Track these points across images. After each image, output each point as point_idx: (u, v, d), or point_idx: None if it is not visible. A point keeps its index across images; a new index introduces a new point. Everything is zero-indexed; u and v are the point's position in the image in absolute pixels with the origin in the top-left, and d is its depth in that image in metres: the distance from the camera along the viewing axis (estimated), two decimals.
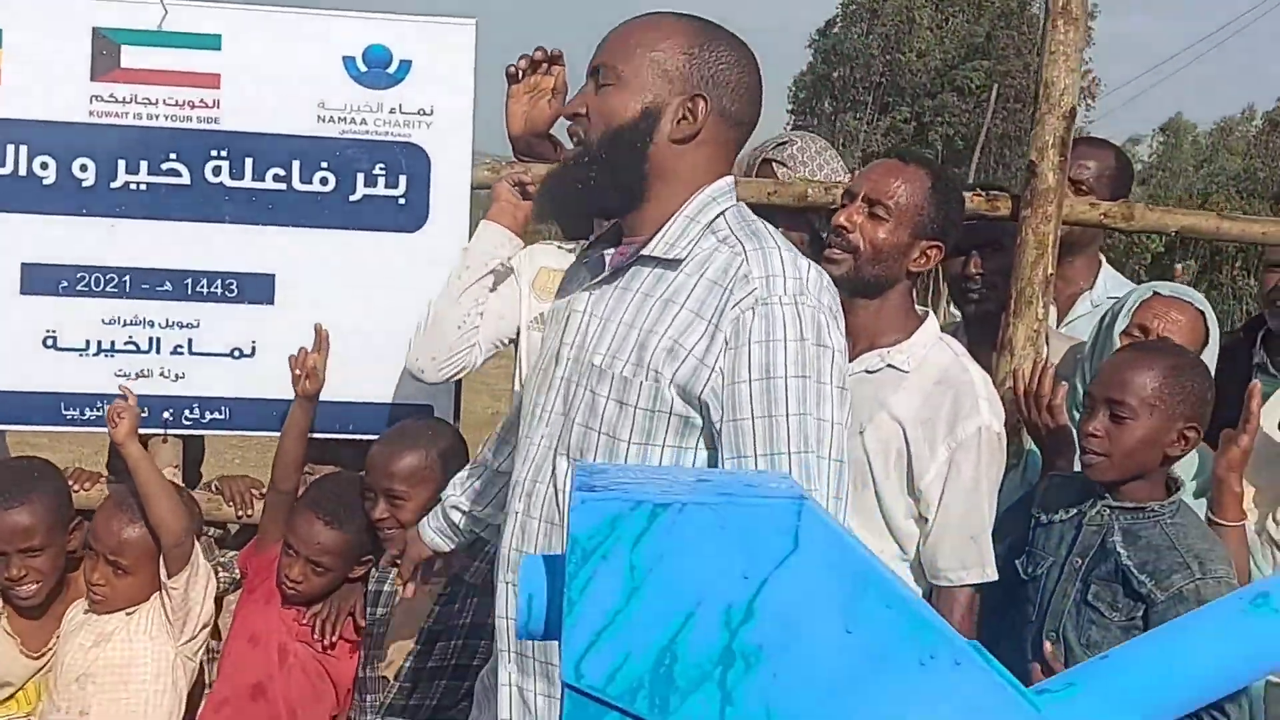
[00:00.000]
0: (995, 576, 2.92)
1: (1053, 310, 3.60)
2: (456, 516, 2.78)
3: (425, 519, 2.86)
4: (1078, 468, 3.06)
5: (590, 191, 2.28)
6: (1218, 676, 1.29)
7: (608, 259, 2.34)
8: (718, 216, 2.26)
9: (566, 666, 1.12)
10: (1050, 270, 3.30)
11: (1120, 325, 3.21)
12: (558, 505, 2.20)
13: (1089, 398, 2.94)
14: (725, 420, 2.14)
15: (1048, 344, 3.51)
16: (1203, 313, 3.19)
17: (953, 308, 4.11)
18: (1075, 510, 2.95)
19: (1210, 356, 3.18)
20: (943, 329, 3.72)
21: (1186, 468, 3.10)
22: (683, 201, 2.26)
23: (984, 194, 3.43)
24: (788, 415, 2.13)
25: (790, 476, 2.07)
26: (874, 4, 40.83)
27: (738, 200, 2.34)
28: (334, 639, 3.24)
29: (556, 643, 1.90)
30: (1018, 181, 3.44)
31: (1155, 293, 3.21)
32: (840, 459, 2.18)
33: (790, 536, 1.12)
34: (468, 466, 2.84)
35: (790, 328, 2.13)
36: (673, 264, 2.23)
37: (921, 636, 1.15)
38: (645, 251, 2.25)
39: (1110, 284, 3.77)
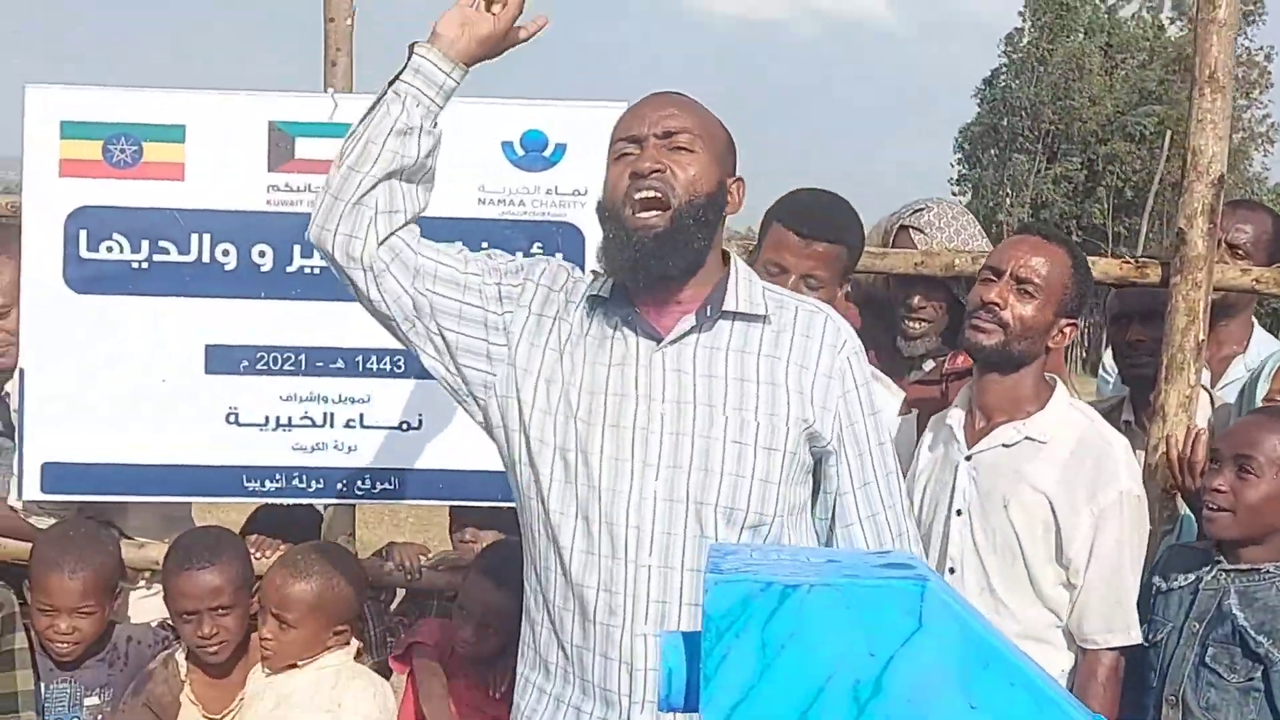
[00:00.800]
0: (1140, 639, 2.92)
1: (1206, 374, 3.57)
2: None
3: None
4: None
5: (681, 249, 2.35)
6: None
7: (648, 319, 2.40)
8: (754, 279, 2.49)
9: None
10: (1201, 336, 3.27)
11: (1261, 390, 3.20)
12: (697, 585, 2.28)
13: (1216, 454, 2.96)
14: (850, 455, 2.44)
15: (1211, 407, 3.48)
16: None
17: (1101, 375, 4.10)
18: (1193, 576, 2.97)
19: None
20: (1105, 401, 3.72)
21: None
22: (727, 265, 2.46)
23: (1133, 261, 3.42)
24: (887, 442, 2.51)
25: (911, 553, 2.42)
26: (1042, 52, 39.92)
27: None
28: (504, 691, 3.29)
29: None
30: None
31: None
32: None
33: (915, 616, 1.17)
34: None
35: (867, 370, 2.51)
36: (757, 319, 2.40)
37: (1044, 712, 1.18)
38: (727, 308, 2.39)
39: (1263, 347, 3.71)
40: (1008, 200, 38.86)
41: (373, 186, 2.46)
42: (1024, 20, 41.99)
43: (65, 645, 3.30)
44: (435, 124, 2.53)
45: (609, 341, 2.43)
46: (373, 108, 2.47)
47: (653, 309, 2.42)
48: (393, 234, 2.49)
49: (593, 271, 2.62)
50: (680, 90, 2.51)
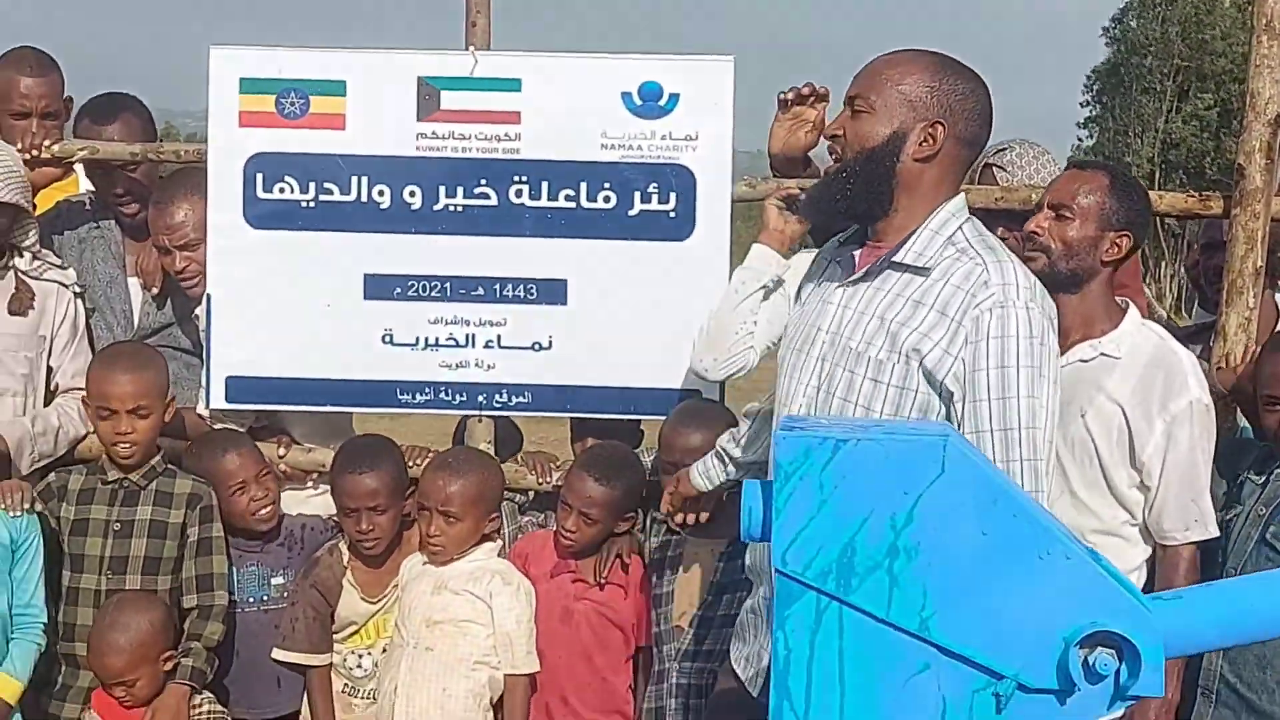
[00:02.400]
0: (1217, 533, 3.09)
1: None
2: (722, 460, 3.21)
3: (695, 463, 3.28)
4: None
5: (847, 200, 2.63)
6: None
7: (856, 258, 2.67)
8: (956, 230, 2.58)
9: (775, 558, 1.48)
10: (1259, 263, 3.44)
11: None
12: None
13: (1271, 399, 3.13)
14: (966, 401, 2.48)
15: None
16: None
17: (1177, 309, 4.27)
18: (1265, 472, 3.16)
19: None
20: (1186, 328, 3.89)
21: None
22: (925, 214, 2.59)
23: (1197, 195, 3.60)
24: (1019, 397, 2.46)
25: (949, 425, 2.49)
26: None
27: (971, 215, 2.68)
28: (605, 578, 3.58)
29: None
30: None
31: None
32: (1051, 440, 2.51)
33: (939, 464, 1.46)
34: (743, 417, 3.22)
35: (1022, 327, 2.47)
36: (921, 271, 2.55)
37: (1039, 538, 1.47)
38: (896, 259, 2.58)
39: None
40: (1136, 141, 36.82)
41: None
42: None
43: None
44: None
45: (828, 276, 2.76)
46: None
47: (865, 249, 2.67)
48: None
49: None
50: (903, 48, 2.71)
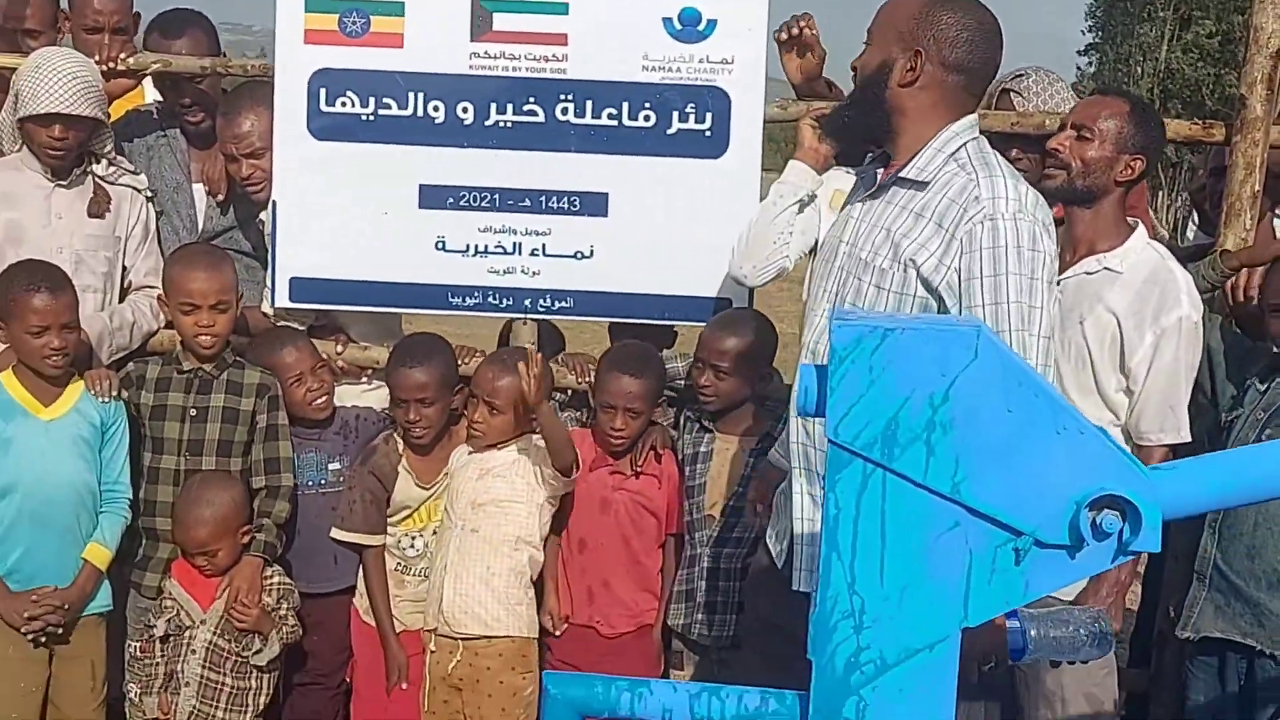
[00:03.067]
0: (1188, 439, 3.31)
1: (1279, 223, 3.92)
2: None
3: (773, 450, 3.36)
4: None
5: (854, 124, 2.91)
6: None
7: (878, 176, 2.88)
8: (960, 148, 2.76)
9: (830, 429, 1.68)
10: (1257, 188, 3.62)
11: None
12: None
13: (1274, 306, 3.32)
14: (961, 307, 2.67)
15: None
16: None
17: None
18: (1266, 381, 3.36)
19: None
20: (1186, 248, 4.08)
21: None
22: (931, 134, 2.77)
23: (1200, 123, 3.78)
24: (1009, 302, 2.64)
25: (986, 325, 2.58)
26: None
27: (979, 134, 2.85)
28: (640, 468, 3.78)
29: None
30: None
31: None
32: (1048, 336, 2.69)
33: (972, 350, 1.65)
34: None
35: (1011, 236, 2.65)
36: (922, 185, 2.74)
37: (1056, 416, 1.67)
38: (902, 174, 2.78)
39: None
40: (1137, 69, 35.92)
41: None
42: None
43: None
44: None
45: (854, 197, 2.98)
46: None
47: (883, 172, 2.88)
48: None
49: None
50: None
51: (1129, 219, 3.37)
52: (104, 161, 4.00)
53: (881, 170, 2.90)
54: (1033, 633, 2.02)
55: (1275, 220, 3.87)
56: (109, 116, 4.04)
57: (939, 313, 2.70)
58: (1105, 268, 3.32)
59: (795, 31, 3.84)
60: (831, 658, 1.70)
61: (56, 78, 3.76)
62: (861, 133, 2.94)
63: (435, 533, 3.89)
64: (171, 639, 3.64)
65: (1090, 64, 39.24)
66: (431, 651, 3.77)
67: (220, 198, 4.27)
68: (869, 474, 1.67)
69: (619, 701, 1.87)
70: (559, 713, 1.86)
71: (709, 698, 1.85)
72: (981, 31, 2.78)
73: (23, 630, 3.51)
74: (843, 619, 1.69)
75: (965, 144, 2.78)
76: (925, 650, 1.69)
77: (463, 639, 3.70)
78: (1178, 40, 35.72)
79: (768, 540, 3.16)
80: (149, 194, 4.12)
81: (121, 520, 3.64)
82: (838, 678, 1.70)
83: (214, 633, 3.62)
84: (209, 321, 3.71)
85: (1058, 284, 3.29)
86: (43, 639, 3.55)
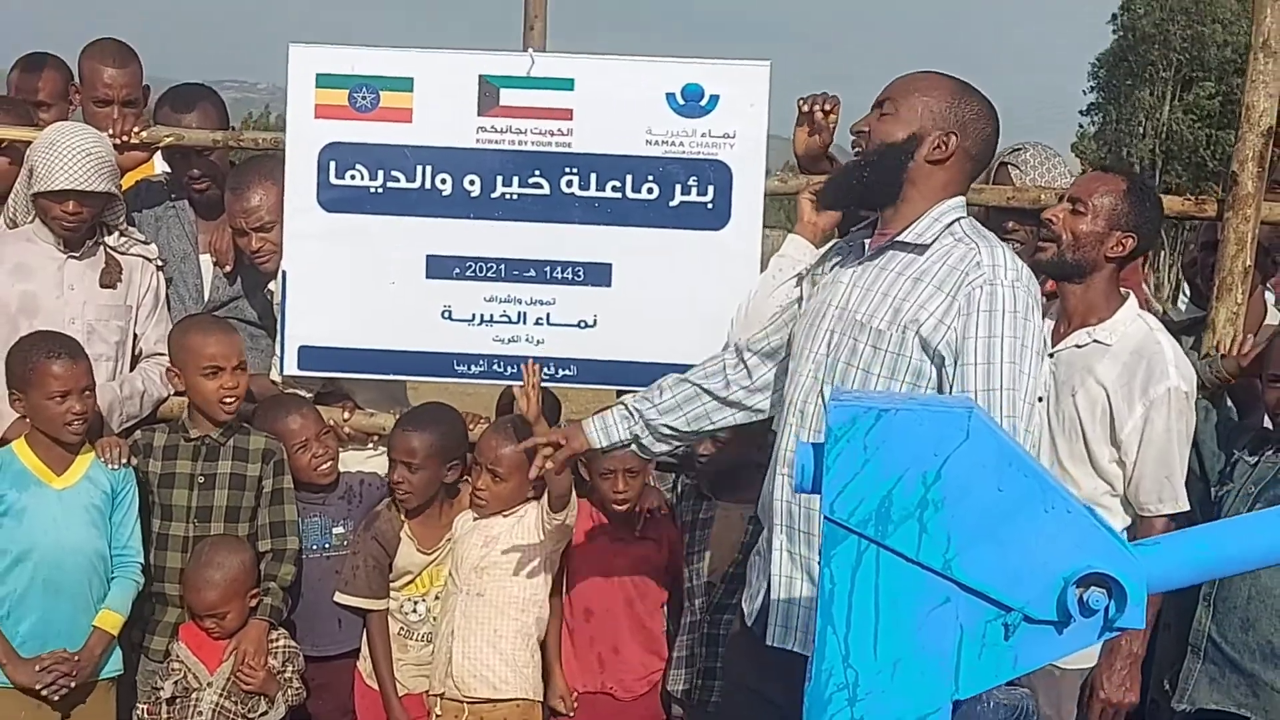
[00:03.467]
0: (1187, 507, 3.34)
1: (1270, 295, 3.97)
2: (630, 418, 3.36)
3: (592, 418, 3.40)
4: (1265, 423, 3.50)
5: (862, 186, 2.94)
6: (1259, 555, 1.82)
7: (867, 245, 2.95)
8: (954, 222, 2.86)
9: (825, 506, 1.73)
10: (1248, 263, 3.67)
11: None
12: (825, 417, 2.82)
13: (1273, 378, 3.36)
14: (956, 365, 2.75)
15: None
16: None
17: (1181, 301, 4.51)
18: (1258, 454, 3.40)
19: None
20: (1180, 321, 4.14)
21: None
22: (928, 207, 2.86)
23: (1193, 199, 3.84)
24: (1002, 363, 2.72)
25: (972, 399, 2.62)
26: None
27: (969, 214, 2.94)
28: (639, 532, 3.82)
29: (811, 515, 2.57)
30: None
31: None
32: (1034, 401, 2.76)
33: (964, 431, 1.70)
34: (664, 383, 3.38)
35: (1008, 302, 2.73)
36: (920, 250, 2.83)
37: (1045, 495, 1.71)
38: (900, 238, 2.86)
39: None
40: (1140, 129, 35.69)
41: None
42: None
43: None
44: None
45: (842, 261, 3.02)
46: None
47: (874, 237, 2.95)
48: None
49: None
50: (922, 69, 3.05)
51: (1120, 290, 3.43)
52: (116, 232, 4.07)
53: (869, 239, 2.97)
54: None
55: (1267, 294, 3.93)
56: (121, 189, 4.11)
57: (933, 374, 2.80)
58: (1095, 340, 3.38)
59: (818, 111, 3.88)
60: None
61: (71, 154, 3.83)
62: (865, 197, 2.98)
63: (437, 598, 3.93)
64: (178, 701, 3.67)
65: (1093, 123, 39.04)
66: (437, 715, 3.80)
67: (228, 269, 4.34)
68: (863, 550, 1.71)
69: None
70: None
71: None
72: (996, 127, 2.92)
73: (38, 689, 3.54)
74: (837, 691, 1.73)
75: (959, 219, 2.88)
76: None
77: (469, 702, 3.74)
78: (1179, 101, 35.34)
79: (742, 603, 3.18)
80: (159, 263, 4.19)
81: (133, 586, 3.68)
82: None
83: (221, 694, 3.65)
84: (233, 383, 3.79)
85: (1051, 356, 3.37)
86: (55, 699, 3.57)
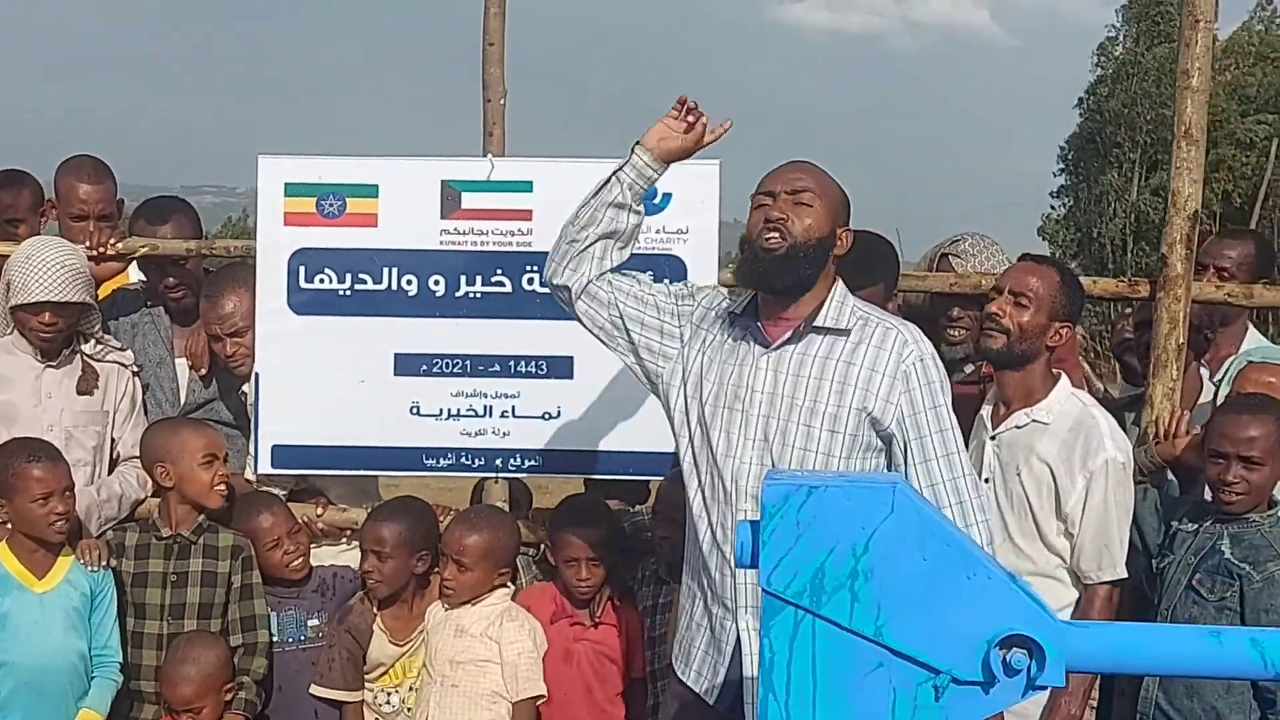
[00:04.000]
0: (1125, 575, 3.46)
1: (1205, 371, 4.11)
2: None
3: None
4: (1207, 494, 3.62)
5: (796, 276, 3.02)
6: (1176, 666, 1.93)
7: (763, 329, 3.06)
8: (850, 303, 3.06)
9: (763, 579, 1.83)
10: (1181, 340, 3.81)
11: (1224, 391, 3.76)
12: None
13: (1220, 454, 3.46)
14: (911, 439, 2.96)
15: (1213, 396, 4.01)
16: None
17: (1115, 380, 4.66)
18: (1196, 524, 3.52)
19: None
20: (1120, 399, 4.27)
21: None
22: (827, 293, 3.05)
23: (1126, 281, 4.00)
24: (951, 429, 2.98)
25: (970, 517, 2.96)
26: (1137, 58, 35.98)
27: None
28: (599, 619, 3.88)
29: None
30: None
31: (1249, 361, 3.75)
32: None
33: (889, 506, 1.81)
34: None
35: (936, 373, 3.00)
36: (842, 334, 2.99)
37: (966, 563, 1.82)
38: (817, 324, 3.01)
39: (1254, 349, 4.20)
40: (1109, 209, 35.82)
41: (593, 241, 3.19)
42: (1117, 29, 38.02)
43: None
44: (640, 203, 3.23)
45: (736, 345, 3.10)
46: (601, 185, 3.17)
47: (768, 322, 3.07)
48: (601, 275, 3.21)
49: (731, 290, 3.29)
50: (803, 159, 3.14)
51: (1053, 371, 3.57)
52: (92, 340, 4.17)
53: (761, 323, 3.07)
54: None
55: (1202, 370, 4.07)
56: (96, 298, 4.22)
57: (886, 447, 3.00)
58: (1033, 420, 3.52)
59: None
60: None
61: (45, 268, 3.94)
62: (796, 285, 3.04)
63: (411, 689, 3.97)
64: None
65: (1064, 205, 39.14)
66: None
67: (203, 371, 4.43)
68: (799, 620, 1.82)
69: None
70: None
71: None
72: None
73: None
74: None
75: (850, 301, 3.09)
76: None
77: None
78: (1145, 183, 35.41)
79: (680, 674, 3.26)
80: (135, 369, 4.28)
81: (112, 685, 3.74)
82: None
83: None
84: (225, 472, 3.94)
85: (993, 439, 3.52)
86: None
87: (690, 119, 3.18)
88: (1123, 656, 1.88)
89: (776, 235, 3.01)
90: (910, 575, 1.81)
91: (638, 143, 3.19)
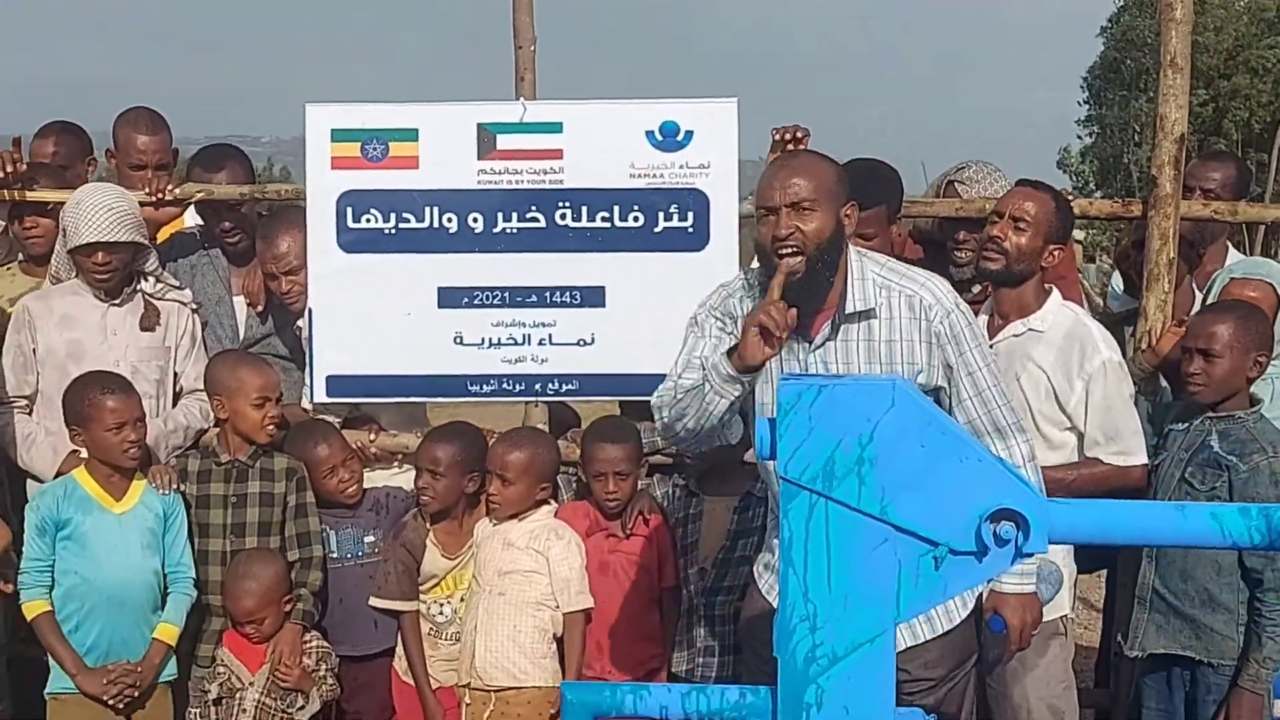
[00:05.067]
0: (1144, 460, 3.65)
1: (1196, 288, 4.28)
2: None
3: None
4: None
5: (817, 283, 3.10)
6: (1149, 534, 2.14)
7: (811, 328, 3.15)
8: (866, 272, 3.15)
9: (780, 468, 2.04)
10: (1172, 255, 3.99)
11: (1213, 297, 3.94)
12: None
13: (1186, 349, 3.67)
14: (963, 377, 3.12)
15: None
16: (1270, 283, 3.89)
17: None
18: (1187, 423, 3.71)
19: None
20: (1118, 313, 4.44)
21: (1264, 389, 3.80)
22: (845, 270, 3.14)
23: (1121, 201, 4.17)
24: (984, 366, 3.15)
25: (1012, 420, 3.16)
26: None
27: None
28: (631, 531, 4.08)
29: None
30: None
31: (1232, 277, 3.93)
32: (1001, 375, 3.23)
33: (890, 400, 2.01)
34: None
35: (962, 319, 3.13)
36: (869, 314, 3.13)
37: (960, 448, 2.02)
38: (848, 310, 3.14)
39: (1237, 263, 4.40)
40: (1134, 137, 35.12)
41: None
42: None
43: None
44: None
45: (787, 348, 3.13)
46: (699, 387, 3.16)
47: (816, 319, 3.16)
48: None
49: (746, 273, 3.33)
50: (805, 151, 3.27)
51: (1045, 286, 3.75)
52: (151, 279, 4.36)
53: (804, 323, 3.10)
54: None
55: (1193, 284, 4.24)
56: (150, 239, 4.41)
57: (948, 394, 3.18)
58: (1029, 329, 3.71)
59: (789, 138, 4.19)
60: (793, 654, 2.04)
61: (94, 211, 4.14)
62: (819, 292, 3.11)
63: (463, 599, 4.18)
64: (224, 701, 3.95)
65: (1090, 134, 38.22)
66: (466, 704, 4.06)
67: (260, 308, 4.64)
68: (814, 503, 2.02)
69: (624, 703, 2.21)
70: (576, 715, 2.20)
71: (697, 695, 2.18)
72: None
73: (104, 698, 3.84)
74: (800, 622, 2.03)
75: (865, 267, 3.17)
76: (867, 644, 2.03)
77: (494, 691, 4.00)
78: None
79: (755, 574, 3.48)
80: (194, 306, 4.48)
81: (187, 599, 3.98)
82: (799, 671, 2.04)
83: (262, 693, 3.93)
84: (276, 413, 4.13)
85: (991, 348, 3.70)
86: (120, 706, 3.87)
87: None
88: (1098, 528, 2.08)
89: (791, 249, 3.06)
90: (910, 460, 2.00)
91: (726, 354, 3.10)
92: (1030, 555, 2.02)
